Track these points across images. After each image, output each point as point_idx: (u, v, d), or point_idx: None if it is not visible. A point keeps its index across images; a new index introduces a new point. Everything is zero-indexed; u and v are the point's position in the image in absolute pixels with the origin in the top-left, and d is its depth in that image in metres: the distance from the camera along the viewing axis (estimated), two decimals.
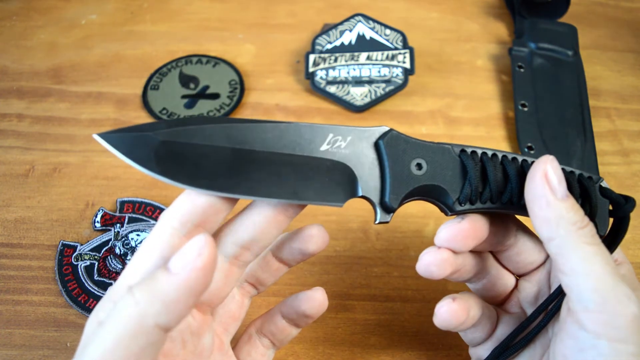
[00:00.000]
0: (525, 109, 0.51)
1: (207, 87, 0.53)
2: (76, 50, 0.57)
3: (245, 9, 0.62)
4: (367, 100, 0.52)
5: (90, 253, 0.42)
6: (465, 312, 0.29)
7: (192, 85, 0.53)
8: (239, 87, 0.53)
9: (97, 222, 0.43)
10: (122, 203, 0.45)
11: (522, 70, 0.54)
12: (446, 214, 0.28)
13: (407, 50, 0.54)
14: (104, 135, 0.23)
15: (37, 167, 0.47)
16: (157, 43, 0.58)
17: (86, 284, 0.40)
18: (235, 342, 0.33)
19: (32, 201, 0.45)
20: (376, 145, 0.27)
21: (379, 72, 0.53)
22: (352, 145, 0.27)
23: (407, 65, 0.53)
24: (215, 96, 0.53)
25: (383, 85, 0.53)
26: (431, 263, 0.28)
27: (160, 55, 0.56)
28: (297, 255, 0.30)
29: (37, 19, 0.60)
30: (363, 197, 0.27)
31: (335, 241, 0.44)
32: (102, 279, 0.40)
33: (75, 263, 0.41)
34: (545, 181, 0.25)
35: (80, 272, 0.41)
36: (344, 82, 0.53)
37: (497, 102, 0.54)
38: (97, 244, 0.42)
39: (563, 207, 0.25)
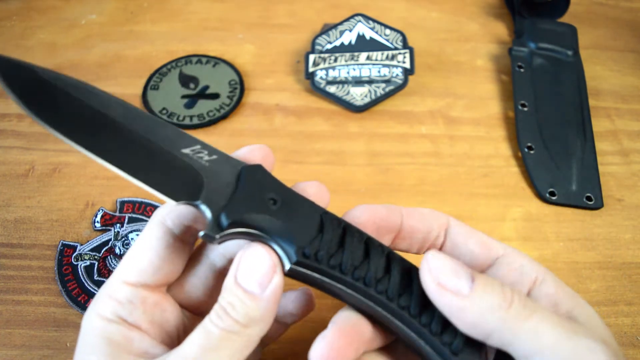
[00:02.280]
0: (525, 109, 0.51)
1: (207, 87, 0.53)
2: (76, 50, 0.57)
3: (245, 9, 0.62)
4: (367, 100, 0.52)
5: (90, 253, 0.42)
6: (352, 349, 0.25)
7: (192, 85, 0.53)
8: (239, 87, 0.53)
9: (97, 222, 0.43)
10: (122, 203, 0.45)
11: (522, 70, 0.54)
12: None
13: (407, 50, 0.54)
14: None
15: (37, 167, 0.47)
16: (157, 43, 0.58)
17: (86, 284, 0.40)
18: None
19: (32, 201, 0.45)
20: (238, 173, 0.26)
21: (379, 72, 0.53)
22: (215, 162, 0.26)
23: (407, 65, 0.53)
24: (215, 96, 0.53)
25: (383, 85, 0.53)
26: None
27: (160, 55, 0.56)
28: None
29: (37, 19, 0.60)
30: (199, 206, 0.25)
31: None
32: (102, 279, 0.40)
33: (75, 263, 0.41)
34: (442, 289, 0.22)
35: (80, 272, 0.41)
36: (344, 82, 0.53)
37: (497, 102, 0.54)
38: (97, 244, 0.42)
39: (476, 299, 0.22)
